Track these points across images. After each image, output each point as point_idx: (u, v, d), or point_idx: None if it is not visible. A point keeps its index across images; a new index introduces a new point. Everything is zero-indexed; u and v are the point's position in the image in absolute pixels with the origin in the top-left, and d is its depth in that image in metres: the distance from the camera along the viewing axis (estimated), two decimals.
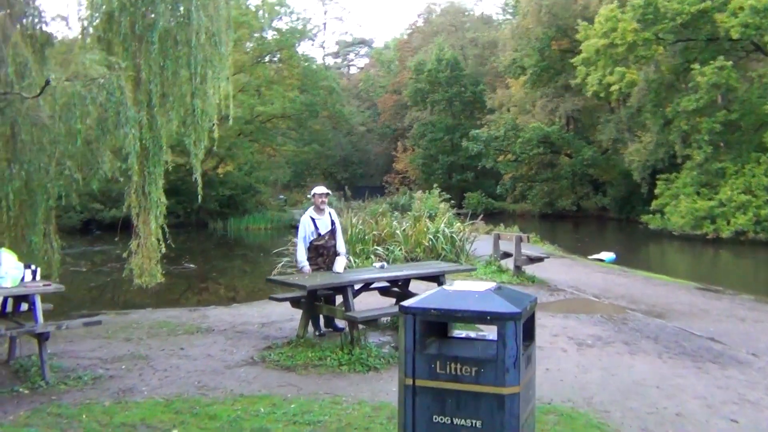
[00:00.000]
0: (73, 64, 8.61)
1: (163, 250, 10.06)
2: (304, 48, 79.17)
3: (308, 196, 8.28)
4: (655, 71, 26.57)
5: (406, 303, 3.07)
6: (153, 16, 9.41)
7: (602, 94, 27.06)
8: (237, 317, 8.88)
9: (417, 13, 60.99)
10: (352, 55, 78.42)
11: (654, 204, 26.74)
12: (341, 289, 6.61)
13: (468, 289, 3.14)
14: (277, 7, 33.62)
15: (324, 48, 68.65)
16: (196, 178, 10.34)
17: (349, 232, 14.32)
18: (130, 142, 8.15)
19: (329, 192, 8.21)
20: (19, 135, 8.52)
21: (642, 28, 23.80)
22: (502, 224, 22.96)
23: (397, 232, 14.70)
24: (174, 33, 9.76)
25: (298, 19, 36.89)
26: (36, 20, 9.44)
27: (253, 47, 32.00)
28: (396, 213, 20.60)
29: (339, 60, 77.56)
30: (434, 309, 2.95)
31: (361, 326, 7.04)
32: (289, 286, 6.63)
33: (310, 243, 7.78)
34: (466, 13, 54.40)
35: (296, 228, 8.58)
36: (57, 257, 9.35)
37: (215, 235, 30.80)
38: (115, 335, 7.74)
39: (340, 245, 8.18)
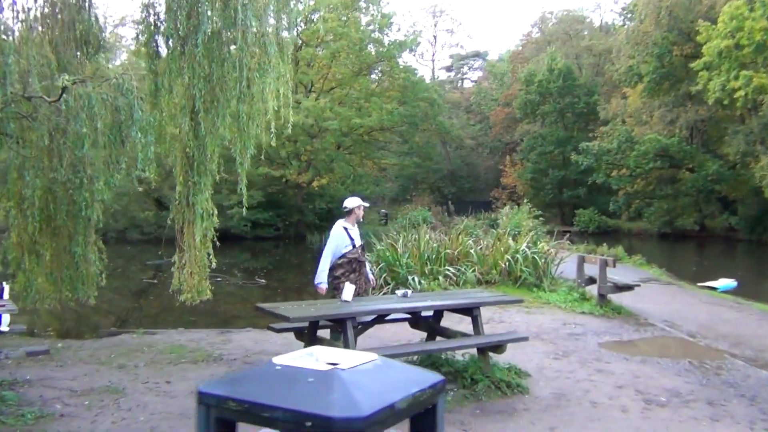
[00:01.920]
0: (90, 64, 8.12)
1: (214, 264, 9.38)
2: (410, 61, 79.34)
3: (344, 207, 7.33)
4: None
5: (203, 386, 1.90)
6: (199, 17, 8.79)
7: (726, 102, 24.25)
8: (258, 344, 7.98)
9: (531, 23, 58.55)
10: (465, 68, 77.14)
11: None
12: (339, 322, 5.50)
13: (307, 366, 1.93)
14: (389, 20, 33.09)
15: (434, 61, 67.50)
16: (241, 189, 9.52)
17: (420, 250, 13.19)
18: (140, 147, 7.46)
19: (368, 204, 7.25)
20: (41, 141, 8.06)
21: None
22: (605, 244, 20.90)
23: (471, 251, 13.36)
24: (220, 35, 9.15)
25: (409, 31, 36.36)
26: (89, 24, 9.12)
27: (353, 60, 31.54)
28: (493, 230, 19.18)
29: (452, 74, 76.61)
30: (235, 400, 1.78)
31: None
32: (274, 316, 5.61)
33: (344, 255, 6.91)
34: (583, 21, 51.72)
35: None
36: (93, 270, 8.77)
37: (312, 249, 30.51)
38: (114, 360, 7.04)
39: (368, 263, 7.22)
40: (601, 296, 10.72)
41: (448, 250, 13.41)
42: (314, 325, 5.89)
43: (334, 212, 33.90)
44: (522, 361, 7.15)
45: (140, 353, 7.44)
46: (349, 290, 6.06)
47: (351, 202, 7.19)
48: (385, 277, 12.67)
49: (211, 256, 9.48)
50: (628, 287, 10.79)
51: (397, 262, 12.65)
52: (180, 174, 9.27)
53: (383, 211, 39.58)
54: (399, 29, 33.34)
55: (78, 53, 8.98)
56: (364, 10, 32.26)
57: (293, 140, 29.42)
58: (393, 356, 5.75)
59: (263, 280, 16.89)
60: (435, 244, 13.65)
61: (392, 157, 38.53)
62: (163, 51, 8.93)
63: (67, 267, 8.66)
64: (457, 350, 6.40)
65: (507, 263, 12.86)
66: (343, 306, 5.74)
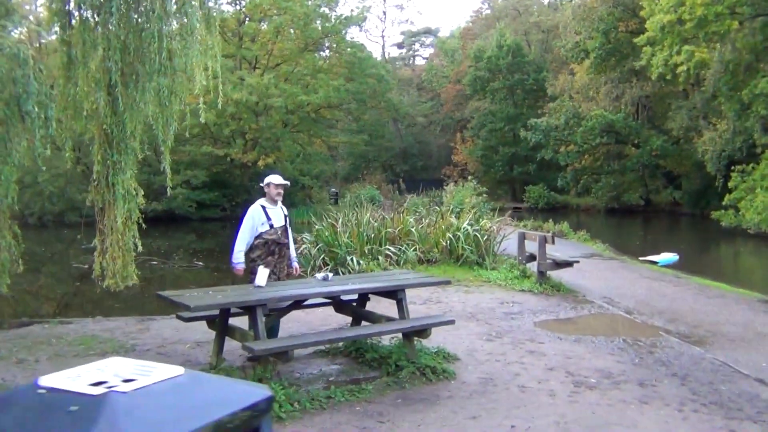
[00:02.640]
0: None
1: (140, 248, 8.83)
2: (359, 37, 78.18)
3: (261, 184, 6.87)
4: (731, 51, 23.71)
5: None
6: None
7: (669, 77, 24.32)
8: (179, 332, 7.50)
9: None
10: (417, 46, 76.56)
11: (727, 198, 23.96)
12: (249, 309, 5.09)
13: (76, 389, 1.52)
14: None
15: (383, 38, 66.84)
16: (164, 168, 8.94)
17: (360, 229, 12.82)
18: (38, 122, 6.86)
19: (287, 183, 6.78)
20: None
21: (714, 0, 21.10)
22: (550, 220, 20.85)
23: (413, 230, 13.06)
24: (138, 3, 8.54)
25: (358, 7, 35.56)
26: None
27: (298, 35, 30.76)
28: (437, 208, 18.91)
29: (403, 51, 75.98)
30: None
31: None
32: (174, 305, 5.18)
33: (260, 236, 6.45)
34: None
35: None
36: (3, 256, 8.10)
37: None
38: (15, 354, 6.50)
39: (293, 249, 6.80)
40: (541, 273, 10.54)
41: (389, 229, 13.08)
42: (225, 313, 5.47)
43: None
44: (453, 343, 6.88)
45: (47, 345, 6.90)
46: (262, 275, 5.64)
47: (266, 180, 6.75)
48: (323, 258, 12.30)
49: (136, 239, 8.96)
50: (568, 264, 10.62)
51: (336, 242, 12.27)
52: (98, 152, 8.71)
53: (333, 189, 39.03)
54: (346, 3, 32.72)
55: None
56: None
57: (237, 118, 28.64)
58: (307, 344, 5.41)
59: (201, 263, 16.31)
60: (376, 223, 13.32)
61: (342, 135, 37.95)
62: (76, 20, 8.30)
63: None
64: (380, 335, 6.07)
65: (449, 241, 12.60)
66: (254, 292, 5.32)
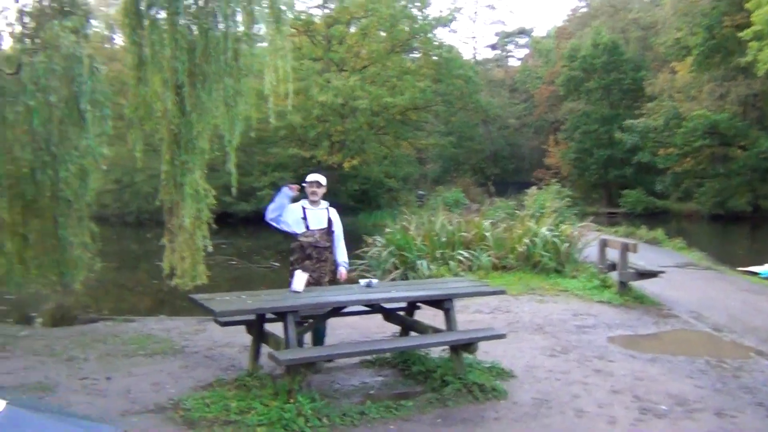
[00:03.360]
0: (44, 33, 7.57)
1: (209, 248, 8.83)
2: (449, 38, 77.39)
3: (302, 184, 6.60)
4: None
5: None
6: None
7: None
8: (230, 335, 7.32)
9: None
10: (510, 47, 75.11)
11: None
12: (281, 315, 4.81)
13: None
14: None
15: (474, 39, 65.89)
16: (229, 169, 8.86)
17: (433, 233, 12.42)
18: (92, 121, 6.88)
19: (322, 183, 6.45)
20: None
21: None
22: (643, 227, 19.66)
23: (487, 234, 12.52)
24: (207, 3, 8.54)
25: (450, 8, 35.02)
26: None
27: (384, 37, 30.63)
28: (516, 212, 18.21)
29: (497, 52, 74.75)
30: None
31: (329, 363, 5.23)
32: (202, 308, 4.97)
33: (296, 238, 6.18)
34: None
35: None
36: (77, 254, 8.21)
37: (345, 231, 29.97)
38: (67, 351, 6.52)
39: (341, 252, 6.44)
40: (622, 284, 9.78)
41: (463, 233, 12.61)
42: (260, 318, 5.23)
43: (369, 194, 33.29)
44: (512, 357, 6.38)
45: (102, 344, 6.92)
46: (299, 279, 5.36)
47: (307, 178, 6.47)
48: (393, 262, 11.98)
49: (206, 239, 8.95)
50: (652, 274, 9.80)
51: (407, 246, 11.92)
52: (167, 152, 8.72)
53: (420, 192, 38.72)
54: (435, 4, 32.31)
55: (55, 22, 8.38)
56: None
57: (323, 120, 28.81)
58: (339, 355, 5.08)
59: (277, 264, 16.34)
60: (450, 227, 12.87)
61: (429, 137, 37.55)
62: (147, 21, 8.35)
63: (52, 251, 8.23)
64: (421, 348, 5.66)
65: (525, 247, 11.98)
66: (287, 298, 5.05)
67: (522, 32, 72.13)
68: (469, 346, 5.30)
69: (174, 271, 8.89)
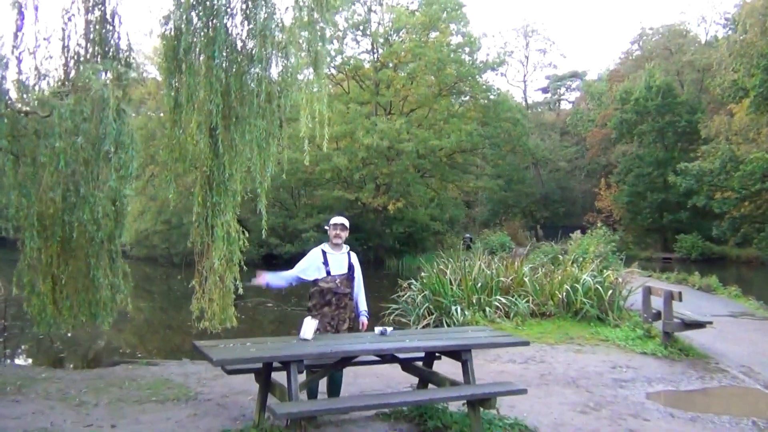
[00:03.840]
0: (74, 74, 7.70)
1: (240, 291, 8.79)
2: (500, 82, 77.40)
3: (325, 227, 6.42)
4: None
5: None
6: (216, 28, 8.26)
7: None
8: (248, 382, 7.10)
9: (630, 39, 55.81)
10: (562, 90, 74.71)
11: None
12: (285, 365, 4.58)
13: None
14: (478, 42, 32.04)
15: (525, 82, 65.75)
16: (260, 210, 8.82)
17: (469, 277, 12.07)
18: (114, 163, 6.87)
19: (347, 226, 6.24)
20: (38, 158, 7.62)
21: None
22: (696, 273, 18.79)
23: (526, 280, 12.09)
24: (244, 46, 8.64)
25: (499, 52, 35.16)
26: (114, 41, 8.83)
27: (431, 80, 30.75)
28: (559, 256, 17.66)
29: (548, 95, 74.45)
30: None
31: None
32: (202, 355, 4.78)
33: (316, 283, 5.94)
34: (685, 35, 48.63)
35: None
36: (105, 294, 8.19)
37: (390, 274, 29.71)
38: (80, 396, 6.41)
39: (362, 300, 6.18)
40: (666, 334, 9.23)
41: (502, 278, 12.22)
42: (267, 367, 5.00)
43: (415, 237, 33.06)
44: (539, 414, 5.98)
45: (117, 389, 6.79)
46: (308, 326, 5.13)
47: (331, 221, 6.27)
48: (428, 307, 11.65)
49: (237, 281, 8.89)
50: (698, 324, 9.23)
51: (442, 291, 11.58)
52: (199, 194, 8.75)
53: (467, 235, 38.27)
54: (488, 53, 32.33)
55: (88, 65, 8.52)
56: (443, 30, 31.39)
57: (368, 163, 28.89)
58: (340, 410, 4.81)
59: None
60: (489, 272, 12.49)
61: (477, 180, 37.25)
62: (185, 65, 8.45)
63: (84, 291, 8.24)
64: (432, 403, 5.31)
65: (565, 294, 11.50)
66: (292, 346, 4.82)
67: (574, 75, 71.76)
68: (486, 401, 4.95)
69: (204, 314, 8.83)
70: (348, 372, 7.28)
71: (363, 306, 6.17)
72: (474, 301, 11.43)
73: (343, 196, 29.04)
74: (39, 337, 10.71)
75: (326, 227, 6.26)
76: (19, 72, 7.76)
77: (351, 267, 6.13)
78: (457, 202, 37.01)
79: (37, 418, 5.63)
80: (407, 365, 5.70)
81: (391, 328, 5.57)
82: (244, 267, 8.89)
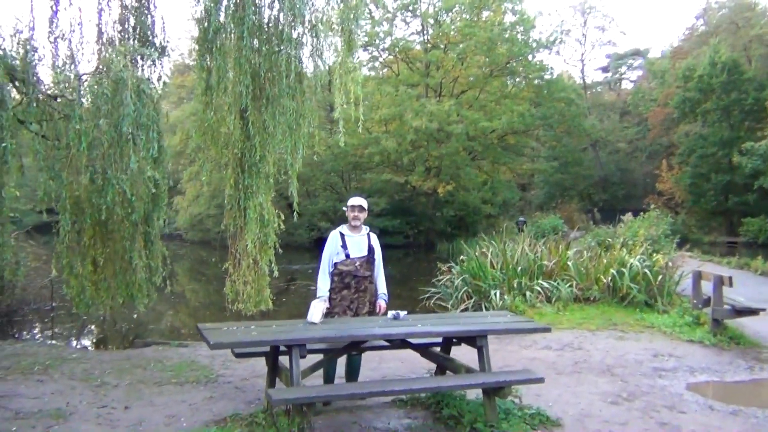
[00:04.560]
0: (98, 57, 7.68)
1: (276, 274, 8.80)
2: (556, 62, 75.44)
3: (343, 208, 6.24)
4: None
5: None
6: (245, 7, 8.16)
7: None
8: None
9: (695, 14, 53.52)
10: (623, 68, 72.30)
11: None
12: (288, 349, 4.42)
13: None
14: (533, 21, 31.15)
15: (583, 62, 63.85)
16: (292, 192, 8.75)
17: (510, 261, 11.72)
18: (131, 144, 6.82)
19: (365, 207, 6.02)
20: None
21: None
22: (760, 258, 17.82)
23: (569, 263, 11.65)
24: (275, 27, 8.54)
25: (557, 30, 34.12)
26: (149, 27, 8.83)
27: (482, 61, 30.09)
28: (609, 240, 17.01)
29: (608, 74, 72.20)
30: None
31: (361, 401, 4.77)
32: (203, 338, 4.65)
33: (335, 266, 5.77)
34: (754, 8, 46.17)
35: None
36: (141, 276, 8.24)
37: (442, 258, 29.43)
38: (103, 377, 6.44)
39: (381, 283, 5.98)
40: (715, 321, 8.71)
41: (545, 262, 11.81)
42: (274, 350, 4.86)
43: (466, 220, 32.59)
44: (566, 403, 5.67)
45: (141, 370, 6.81)
46: (315, 310, 4.96)
47: (348, 202, 6.05)
48: (467, 291, 11.37)
49: (273, 264, 8.86)
50: (751, 311, 8.67)
51: (482, 275, 11.27)
52: (231, 177, 8.73)
53: (521, 219, 37.54)
54: (541, 32, 31.30)
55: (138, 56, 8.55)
56: (495, 9, 30.64)
57: (418, 146, 28.57)
58: (340, 397, 4.63)
59: None
60: (532, 255, 12.10)
61: (531, 162, 36.45)
62: (215, 47, 8.39)
63: (121, 273, 8.32)
64: (440, 391, 5.06)
65: (611, 278, 11.03)
66: (297, 330, 4.65)
67: (635, 53, 69.23)
68: (500, 389, 4.69)
69: (238, 296, 8.81)
70: (374, 356, 7.15)
71: (382, 288, 5.96)
72: (515, 285, 11.09)
73: (392, 179, 28.83)
74: (83, 318, 10.93)
75: (344, 208, 6.06)
76: (55, 57, 7.84)
77: (371, 249, 5.93)
78: (511, 185, 36.27)
79: (56, 398, 5.66)
80: (424, 351, 5.47)
81: (405, 313, 5.34)
82: (280, 250, 8.84)
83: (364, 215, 6.02)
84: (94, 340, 10.29)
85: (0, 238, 7.68)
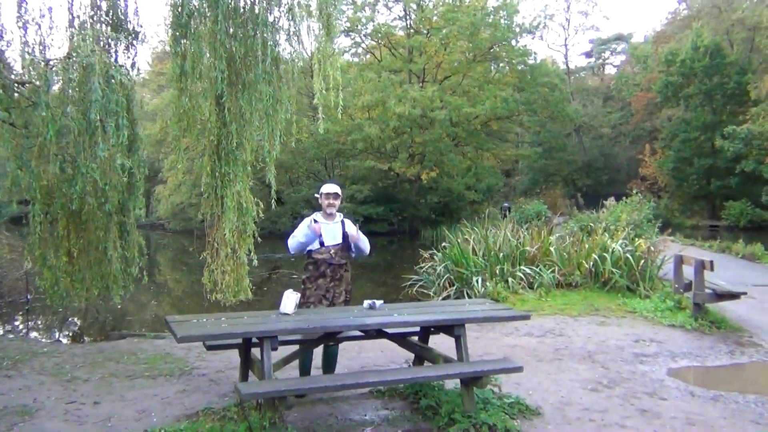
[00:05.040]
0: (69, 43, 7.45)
1: (255, 263, 8.63)
2: (540, 47, 75.28)
3: (315, 195, 6.10)
4: None
5: None
6: None
7: None
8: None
9: None
10: (607, 53, 72.32)
11: None
12: (259, 341, 4.29)
13: None
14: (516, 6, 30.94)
15: (566, 46, 63.89)
16: (269, 180, 8.58)
17: (491, 247, 11.64)
18: (100, 132, 6.61)
19: (340, 194, 5.89)
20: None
21: None
22: (740, 241, 17.88)
23: (552, 249, 11.59)
24: (248, 10, 8.31)
25: (540, 15, 33.94)
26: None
27: (465, 46, 29.90)
28: (591, 225, 16.98)
29: (592, 59, 72.20)
30: None
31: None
32: (170, 331, 4.52)
33: (310, 254, 5.64)
34: None
35: None
36: (116, 267, 8.04)
37: (426, 244, 29.34)
38: (74, 371, 6.27)
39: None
40: (697, 305, 8.68)
41: (527, 248, 11.74)
42: (246, 342, 4.74)
43: (450, 206, 32.54)
44: (545, 391, 5.60)
45: (114, 363, 6.64)
46: (288, 300, 4.83)
47: (320, 190, 5.91)
48: (449, 278, 11.29)
49: (251, 253, 8.70)
50: (732, 295, 8.66)
51: (464, 261, 11.18)
52: (207, 164, 8.52)
53: (506, 204, 37.54)
54: (524, 17, 31.30)
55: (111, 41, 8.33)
56: None
57: (401, 132, 28.40)
58: (312, 390, 4.50)
59: None
60: (514, 241, 12.02)
61: (515, 148, 36.40)
62: (190, 32, 8.19)
63: (96, 264, 8.12)
64: (415, 382, 4.96)
65: (593, 263, 10.99)
66: (267, 321, 4.52)
67: (619, 38, 69.28)
68: (478, 379, 4.59)
69: (216, 286, 8.65)
70: (353, 345, 7.04)
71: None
72: (497, 271, 11.01)
73: (375, 166, 28.67)
74: (60, 310, 10.74)
75: (316, 195, 5.92)
76: (25, 43, 7.62)
77: (345, 236, 5.80)
78: (495, 171, 36.23)
79: (23, 394, 5.49)
80: (401, 341, 5.36)
81: (381, 302, 5.22)
82: (259, 239, 8.68)
83: (338, 202, 5.90)
84: (70, 333, 10.09)
85: None
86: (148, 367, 6.46)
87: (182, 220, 32.18)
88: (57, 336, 9.73)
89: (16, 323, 10.82)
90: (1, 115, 7.34)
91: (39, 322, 10.93)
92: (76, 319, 11.24)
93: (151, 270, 21.04)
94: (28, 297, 12.03)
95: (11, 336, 9.23)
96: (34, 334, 9.78)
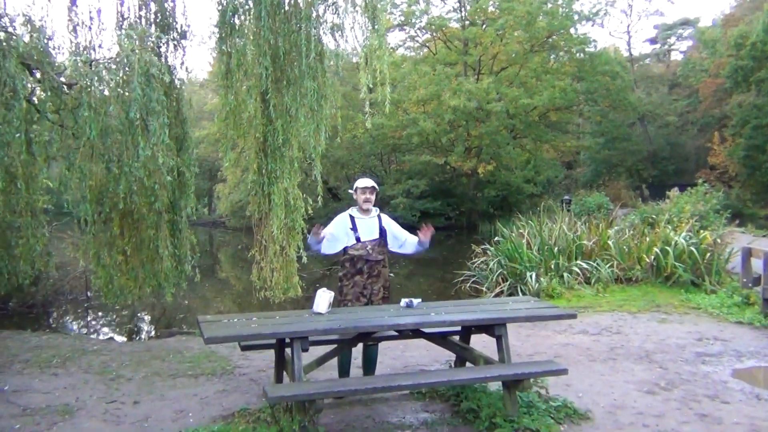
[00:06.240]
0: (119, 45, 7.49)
1: (304, 260, 8.57)
2: (602, 35, 73.04)
3: (350, 191, 5.93)
4: None
5: None
6: None
7: None
8: None
9: None
10: (672, 39, 69.79)
11: None
12: (290, 342, 4.15)
13: None
14: None
15: (629, 33, 61.83)
16: (315, 176, 8.50)
17: (545, 241, 11.27)
18: (138, 131, 6.60)
19: (377, 188, 5.71)
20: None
21: None
22: None
23: (610, 243, 11.12)
24: (290, 6, 8.25)
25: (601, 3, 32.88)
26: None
27: (521, 36, 29.22)
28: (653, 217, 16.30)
29: (657, 46, 69.80)
30: None
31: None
32: (199, 331, 4.41)
33: (346, 251, 5.48)
34: None
35: None
36: (167, 265, 8.09)
37: (482, 240, 28.91)
38: (118, 369, 6.29)
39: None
40: (766, 301, 8.14)
41: (584, 242, 11.32)
42: (280, 343, 4.61)
43: (509, 200, 31.95)
44: (597, 393, 5.28)
45: (159, 361, 6.65)
46: (321, 299, 4.67)
47: (354, 184, 5.74)
48: (502, 273, 10.98)
49: (301, 250, 8.63)
50: None
51: (517, 256, 10.85)
52: (254, 161, 8.50)
53: (567, 197, 36.65)
54: (582, 3, 30.33)
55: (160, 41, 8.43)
56: None
57: (456, 125, 28.01)
58: (339, 393, 4.33)
59: (391, 274, 15.75)
60: (571, 235, 11.61)
61: (576, 139, 35.44)
62: (234, 29, 8.19)
63: (148, 262, 8.20)
64: (451, 385, 4.72)
65: (654, 257, 10.48)
66: (300, 321, 4.38)
67: (685, 23, 66.72)
68: (520, 382, 4.34)
69: (265, 283, 8.61)
70: (398, 344, 6.88)
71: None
72: (552, 266, 10.64)
73: (431, 160, 28.37)
74: (117, 308, 10.93)
75: (350, 191, 5.75)
76: (74, 45, 7.76)
77: (382, 232, 5.62)
78: (555, 164, 35.36)
79: (66, 393, 5.52)
80: (441, 341, 5.14)
81: (419, 300, 5.02)
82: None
83: (374, 197, 5.72)
84: (126, 331, 10.25)
85: (30, 229, 7.61)
86: (191, 366, 6.44)
87: (241, 218, 32.59)
88: (109, 334, 9.89)
89: (76, 320, 11.08)
90: (52, 117, 7.46)
91: (99, 320, 11.15)
92: (138, 315, 11.44)
93: (213, 267, 21.39)
94: (88, 294, 12.31)
95: (66, 333, 9.41)
96: (88, 332, 9.97)
